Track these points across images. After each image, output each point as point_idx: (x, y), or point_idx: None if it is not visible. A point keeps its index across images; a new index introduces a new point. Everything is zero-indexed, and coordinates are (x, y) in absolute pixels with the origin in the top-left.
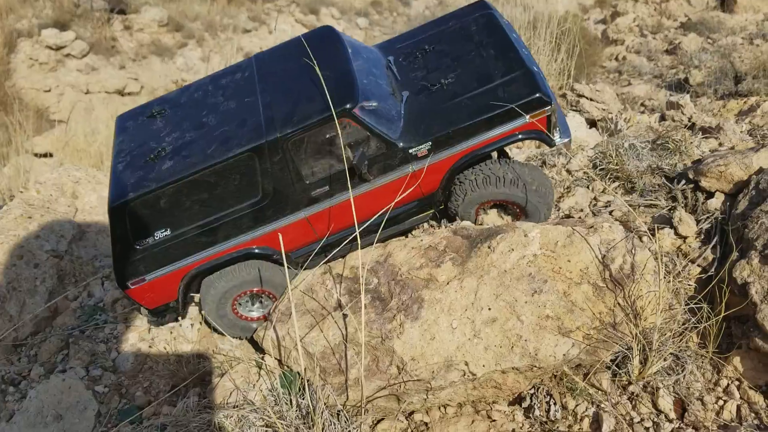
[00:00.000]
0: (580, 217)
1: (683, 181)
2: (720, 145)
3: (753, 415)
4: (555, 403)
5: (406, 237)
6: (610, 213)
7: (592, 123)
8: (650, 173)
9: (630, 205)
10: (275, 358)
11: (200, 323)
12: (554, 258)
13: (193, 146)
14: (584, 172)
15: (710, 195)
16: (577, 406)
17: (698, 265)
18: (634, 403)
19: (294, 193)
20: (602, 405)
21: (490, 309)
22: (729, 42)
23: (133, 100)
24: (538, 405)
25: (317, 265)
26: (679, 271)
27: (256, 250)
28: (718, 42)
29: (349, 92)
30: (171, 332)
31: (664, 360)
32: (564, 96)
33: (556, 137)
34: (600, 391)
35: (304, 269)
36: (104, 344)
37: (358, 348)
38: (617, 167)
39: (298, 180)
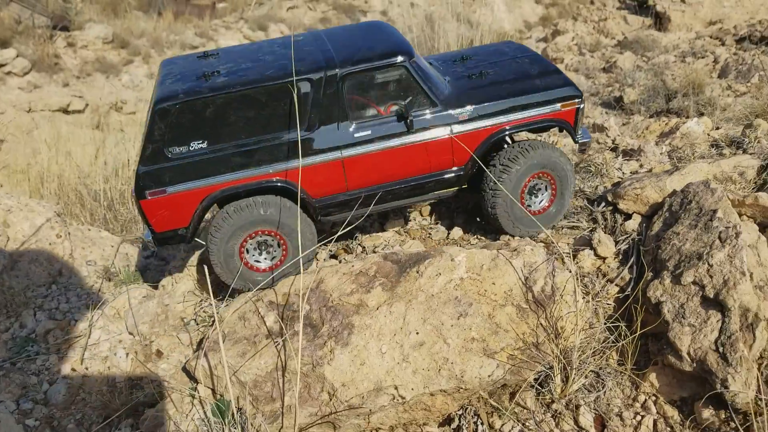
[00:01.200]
0: (505, 241)
1: (603, 204)
2: (641, 167)
3: (669, 429)
4: (482, 423)
5: (339, 262)
6: (537, 234)
7: None
8: (573, 195)
9: (553, 227)
10: (208, 387)
11: (135, 353)
12: (480, 281)
13: (251, 70)
14: None
15: (628, 217)
16: (503, 425)
17: (616, 285)
18: (557, 420)
19: (338, 130)
20: (527, 423)
21: (418, 333)
22: (662, 60)
23: (77, 118)
24: (466, 426)
25: (339, 218)
26: (598, 291)
27: (284, 184)
28: (652, 60)
29: (406, 47)
30: (104, 361)
31: (585, 377)
32: None
33: (579, 134)
34: (525, 410)
35: (323, 218)
36: (36, 376)
37: (289, 375)
38: None
39: (344, 118)
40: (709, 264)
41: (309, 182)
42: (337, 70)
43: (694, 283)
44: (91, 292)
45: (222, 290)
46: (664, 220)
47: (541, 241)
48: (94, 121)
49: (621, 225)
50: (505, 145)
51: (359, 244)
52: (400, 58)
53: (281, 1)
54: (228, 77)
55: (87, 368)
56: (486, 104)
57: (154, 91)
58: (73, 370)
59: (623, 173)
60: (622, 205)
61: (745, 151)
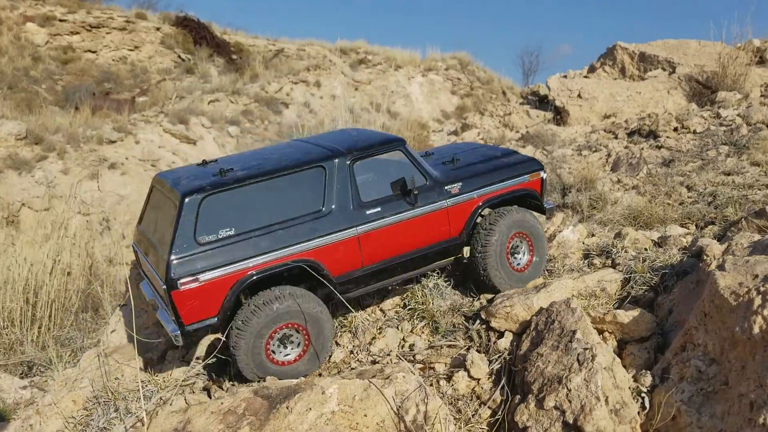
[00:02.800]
0: (380, 367)
1: (478, 321)
2: None
3: None
4: None
5: (210, 398)
6: (414, 356)
7: None
8: (452, 313)
9: (432, 346)
10: None
11: None
12: (352, 413)
13: (264, 164)
14: (395, 311)
15: (501, 335)
16: None
17: (489, 407)
18: None
19: (352, 208)
20: None
21: None
22: (560, 154)
23: None
24: None
25: (354, 295)
26: (470, 416)
27: (310, 263)
28: (552, 153)
29: (398, 137)
30: None
31: None
32: None
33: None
34: None
35: (342, 296)
36: None
37: None
38: (424, 307)
39: (356, 197)
40: (567, 388)
41: (329, 260)
42: (346, 156)
43: (555, 407)
44: None
45: None
46: (532, 339)
47: (419, 362)
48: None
49: (494, 343)
50: (480, 218)
51: None
52: (397, 143)
53: (202, 95)
54: (246, 171)
55: None
56: (471, 179)
57: (168, 193)
58: None
59: None
60: (494, 323)
61: (613, 261)
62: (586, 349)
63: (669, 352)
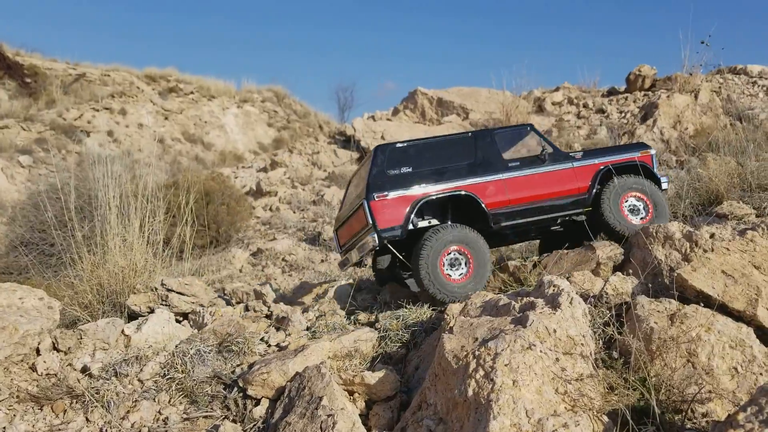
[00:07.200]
0: None
1: (236, 389)
2: (288, 335)
3: None
4: None
5: None
6: (167, 431)
7: (184, 316)
8: (212, 381)
9: (188, 418)
10: None
11: None
12: None
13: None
14: (154, 381)
15: (258, 402)
16: None
17: None
18: None
19: (496, 162)
20: None
21: None
22: None
23: None
24: None
25: (504, 227)
26: None
27: (469, 194)
28: None
29: (528, 123)
30: None
31: None
32: (154, 290)
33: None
34: None
35: (494, 226)
36: None
37: None
38: (183, 375)
39: (499, 156)
40: None
41: (482, 194)
42: (490, 130)
43: None
44: None
45: None
46: (284, 406)
47: None
48: None
49: (250, 412)
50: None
51: None
52: (530, 124)
53: None
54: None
55: None
56: (592, 152)
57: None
58: None
59: (267, 347)
60: (251, 391)
61: (377, 317)
62: (329, 416)
63: (408, 411)
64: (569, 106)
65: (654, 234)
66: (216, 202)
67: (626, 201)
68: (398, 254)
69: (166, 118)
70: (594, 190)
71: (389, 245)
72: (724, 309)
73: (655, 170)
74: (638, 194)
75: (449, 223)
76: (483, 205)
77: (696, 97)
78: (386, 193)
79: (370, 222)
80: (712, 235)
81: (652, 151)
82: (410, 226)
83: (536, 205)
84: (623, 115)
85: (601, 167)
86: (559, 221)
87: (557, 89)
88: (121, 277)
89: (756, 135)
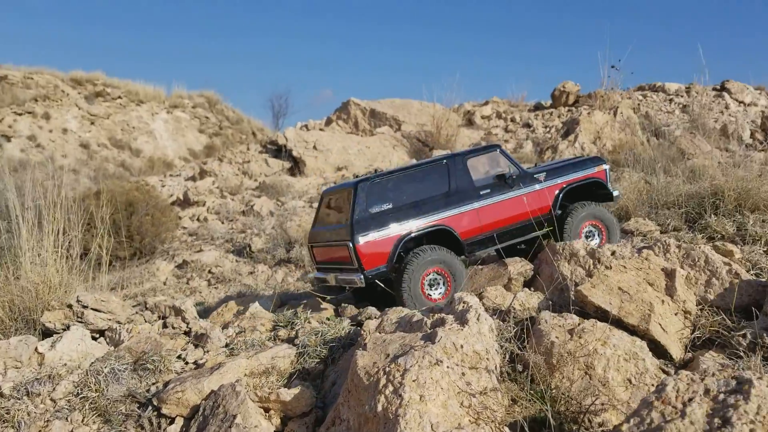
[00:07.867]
0: None
1: (150, 408)
2: (206, 352)
3: None
4: None
5: None
6: None
7: (101, 333)
8: (126, 399)
9: None
10: None
11: None
12: None
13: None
14: (67, 401)
15: (173, 421)
16: None
17: None
18: None
19: (469, 189)
20: None
21: None
22: (292, 206)
23: None
24: None
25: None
26: None
27: (445, 227)
28: (285, 205)
29: (496, 144)
30: None
31: None
32: (70, 307)
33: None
34: None
35: (468, 254)
36: None
37: None
38: (97, 394)
39: (471, 184)
40: None
41: (457, 226)
42: (461, 154)
43: None
44: None
45: None
46: (198, 425)
47: None
48: None
49: (164, 430)
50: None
51: None
52: (498, 146)
53: None
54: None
55: None
56: (552, 171)
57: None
58: None
59: (185, 365)
60: (165, 410)
61: (297, 333)
62: None
63: (323, 426)
64: (497, 120)
65: (560, 251)
66: (140, 213)
67: (585, 229)
68: (384, 287)
69: (93, 123)
70: (558, 210)
71: (376, 281)
72: (620, 324)
73: (608, 185)
74: (594, 222)
75: (427, 246)
76: (458, 236)
77: (615, 114)
78: (370, 234)
79: (356, 264)
80: (613, 253)
81: (606, 166)
82: (394, 263)
83: (506, 230)
84: (548, 129)
85: (564, 186)
86: (523, 245)
87: (486, 103)
88: (35, 294)
89: (671, 151)
